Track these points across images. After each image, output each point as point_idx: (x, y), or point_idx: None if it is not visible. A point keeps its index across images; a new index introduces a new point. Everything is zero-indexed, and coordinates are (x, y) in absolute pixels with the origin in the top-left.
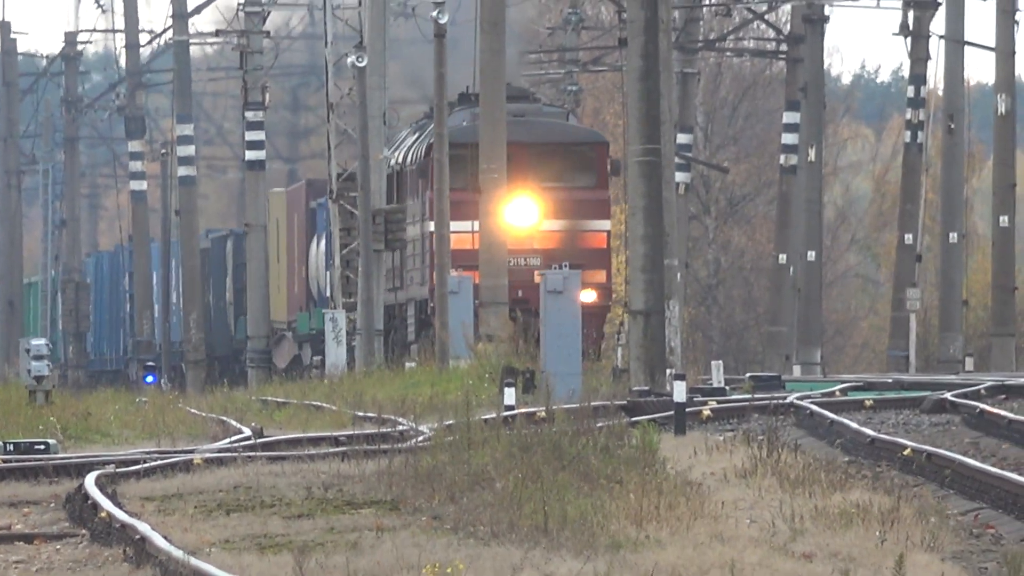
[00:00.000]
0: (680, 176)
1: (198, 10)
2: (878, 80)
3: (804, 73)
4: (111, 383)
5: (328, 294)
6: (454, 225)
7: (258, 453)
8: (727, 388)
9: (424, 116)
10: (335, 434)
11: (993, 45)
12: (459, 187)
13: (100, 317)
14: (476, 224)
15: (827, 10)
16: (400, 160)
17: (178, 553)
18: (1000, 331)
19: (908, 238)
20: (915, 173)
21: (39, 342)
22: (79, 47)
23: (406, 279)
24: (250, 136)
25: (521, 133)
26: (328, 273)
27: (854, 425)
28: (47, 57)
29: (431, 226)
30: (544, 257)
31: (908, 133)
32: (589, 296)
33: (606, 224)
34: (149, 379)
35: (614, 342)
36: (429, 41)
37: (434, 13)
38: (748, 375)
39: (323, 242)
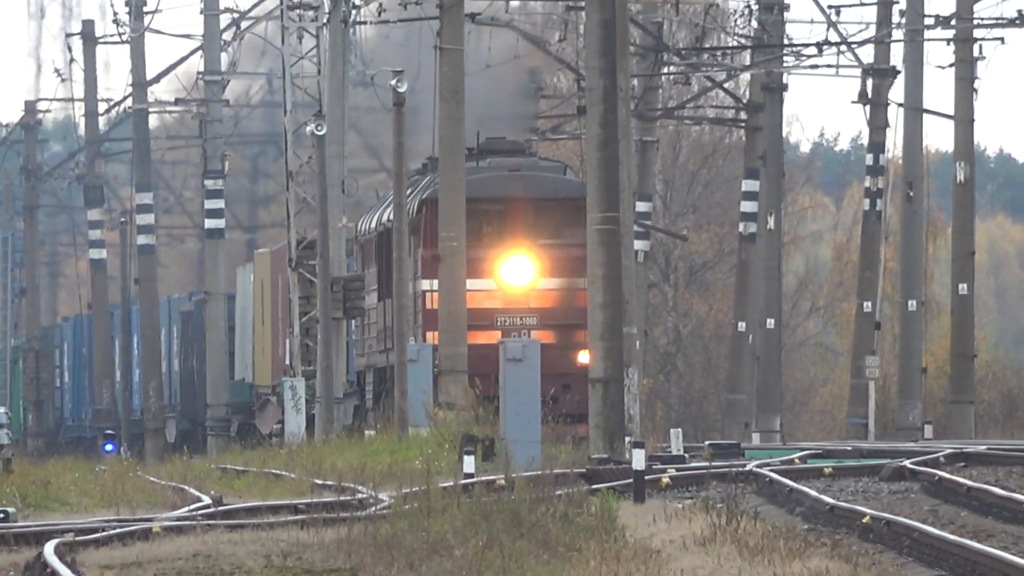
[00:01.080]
0: (639, 244)
1: (157, 79)
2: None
3: (763, 141)
4: (74, 451)
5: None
6: (438, 284)
7: (217, 521)
8: (686, 456)
9: (415, 172)
10: (294, 502)
11: (952, 113)
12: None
13: (75, 383)
14: (467, 283)
15: (786, 78)
16: (388, 219)
17: None
18: (959, 398)
19: (867, 306)
20: (874, 241)
21: None
22: (38, 115)
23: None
24: (209, 204)
25: (517, 188)
26: (288, 341)
27: (813, 493)
28: (6, 126)
29: (424, 284)
30: (540, 316)
31: (867, 201)
32: (587, 357)
33: None
34: (108, 447)
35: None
36: (388, 110)
37: (393, 82)
38: (707, 443)
39: None
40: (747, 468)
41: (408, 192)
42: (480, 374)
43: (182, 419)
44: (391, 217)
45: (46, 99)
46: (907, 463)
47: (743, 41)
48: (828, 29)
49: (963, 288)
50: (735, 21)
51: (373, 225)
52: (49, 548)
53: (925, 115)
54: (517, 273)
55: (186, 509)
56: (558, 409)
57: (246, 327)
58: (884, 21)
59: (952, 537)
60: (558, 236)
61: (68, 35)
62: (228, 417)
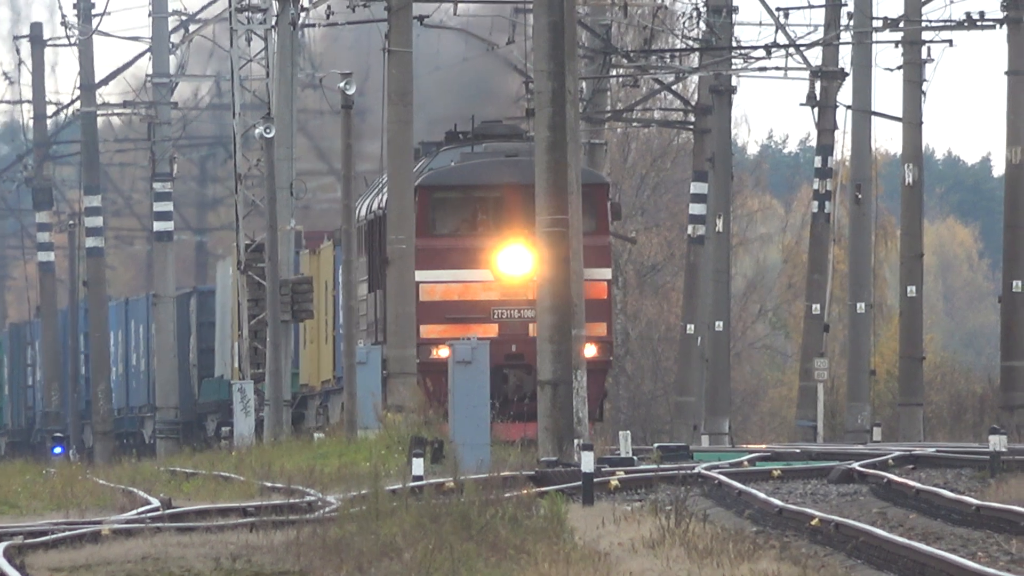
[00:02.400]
0: None
1: (105, 81)
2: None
3: (711, 144)
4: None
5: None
6: (435, 274)
7: (166, 524)
8: (635, 458)
9: None
10: (243, 504)
11: (900, 115)
12: (446, 233)
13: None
14: (461, 273)
15: (734, 81)
16: (380, 206)
17: None
18: (908, 400)
19: (816, 308)
20: (823, 243)
21: None
22: None
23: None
24: (158, 207)
25: (513, 174)
26: (236, 344)
27: (762, 495)
28: None
29: (417, 275)
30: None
31: (815, 203)
32: (589, 351)
33: (607, 272)
34: (57, 450)
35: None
36: (337, 113)
37: (341, 84)
38: (656, 445)
39: None
40: (696, 470)
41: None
42: None
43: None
44: (383, 204)
45: None
46: (856, 465)
47: (691, 43)
48: (776, 31)
49: (911, 290)
50: (683, 23)
51: (363, 213)
52: None
53: (874, 117)
54: (515, 263)
55: (135, 512)
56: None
57: (226, 322)
58: (832, 23)
59: (901, 539)
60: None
61: (16, 38)
62: (177, 420)
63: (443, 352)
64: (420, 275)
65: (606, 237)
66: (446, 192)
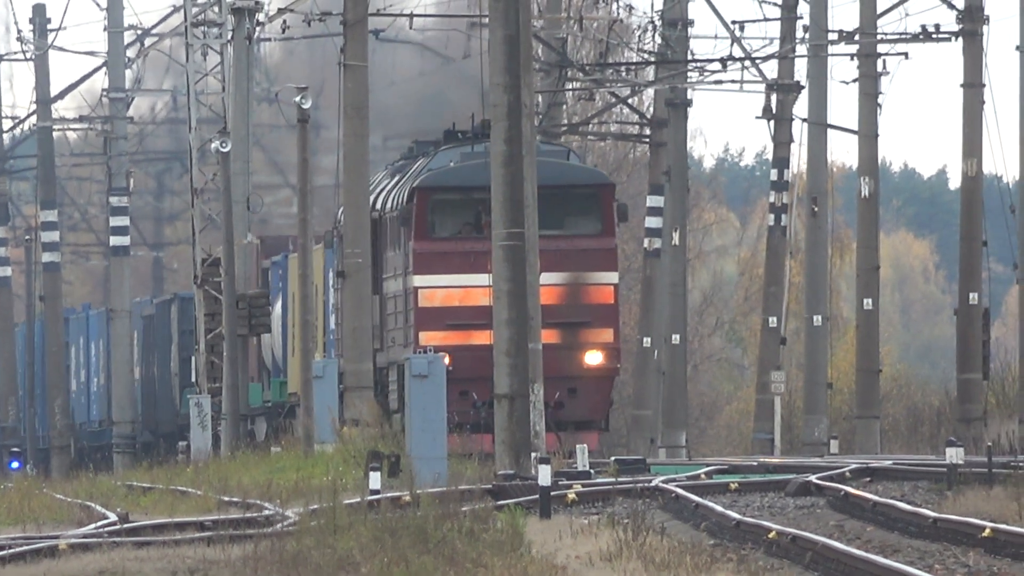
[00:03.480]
0: None
1: (61, 95)
2: (742, 163)
3: (667, 157)
4: None
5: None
6: (434, 279)
7: (124, 538)
8: (592, 471)
9: (401, 157)
10: (201, 519)
11: (856, 128)
12: (446, 236)
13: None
14: (461, 278)
15: (690, 94)
16: (378, 206)
17: None
18: (864, 413)
19: (772, 321)
20: (779, 256)
21: None
22: None
23: (387, 340)
24: (115, 221)
25: None
26: (193, 359)
27: (719, 508)
28: None
29: (416, 280)
30: (544, 314)
31: (772, 216)
32: (595, 358)
33: (613, 276)
34: (14, 465)
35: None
36: (293, 126)
37: (297, 98)
38: (613, 458)
39: (278, 304)
40: (653, 484)
41: (395, 180)
42: (477, 379)
43: (143, 430)
44: (384, 204)
45: None
46: (813, 478)
47: (647, 57)
48: (732, 44)
49: (868, 303)
50: (639, 37)
51: (386, 203)
52: None
53: (830, 130)
54: None
55: (93, 526)
56: (562, 415)
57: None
58: (788, 36)
59: (858, 552)
60: (561, 226)
61: None
62: (134, 435)
63: (443, 360)
64: (419, 280)
65: (612, 240)
66: (446, 193)
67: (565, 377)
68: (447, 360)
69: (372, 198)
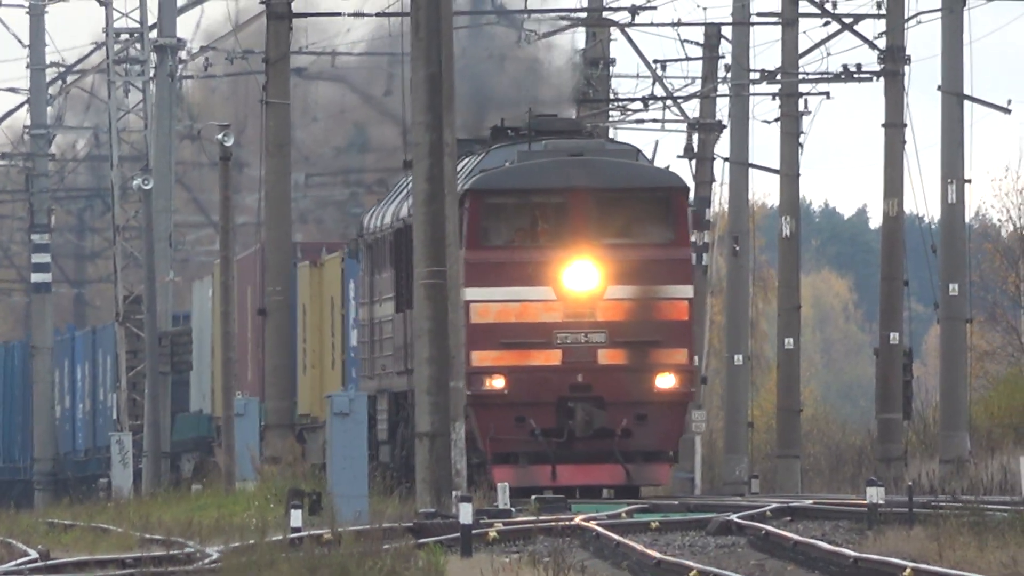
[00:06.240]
0: None
1: None
2: None
3: None
4: None
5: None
6: (488, 292)
7: (45, 575)
8: (513, 510)
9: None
10: (122, 556)
11: (778, 167)
12: (499, 245)
13: None
14: (518, 291)
15: (611, 133)
16: (403, 213)
17: None
18: (785, 452)
19: (694, 360)
20: (700, 295)
21: None
22: None
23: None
24: (36, 258)
25: (580, 176)
26: (103, 397)
27: (639, 547)
28: None
29: (467, 293)
30: (609, 332)
31: (693, 255)
32: (667, 381)
33: (687, 290)
34: None
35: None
36: (215, 164)
37: (219, 136)
38: (534, 496)
39: None
40: (574, 522)
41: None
42: (535, 403)
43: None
44: (412, 211)
45: None
46: (734, 517)
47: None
48: (654, 84)
49: (789, 342)
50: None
51: (387, 220)
52: None
53: (751, 169)
54: (580, 279)
55: (13, 563)
56: (630, 445)
57: (204, 351)
58: (710, 76)
59: None
60: (630, 235)
61: None
62: (54, 472)
63: (497, 383)
64: (470, 293)
65: (686, 249)
66: (501, 197)
67: (634, 402)
68: (502, 383)
69: (398, 203)
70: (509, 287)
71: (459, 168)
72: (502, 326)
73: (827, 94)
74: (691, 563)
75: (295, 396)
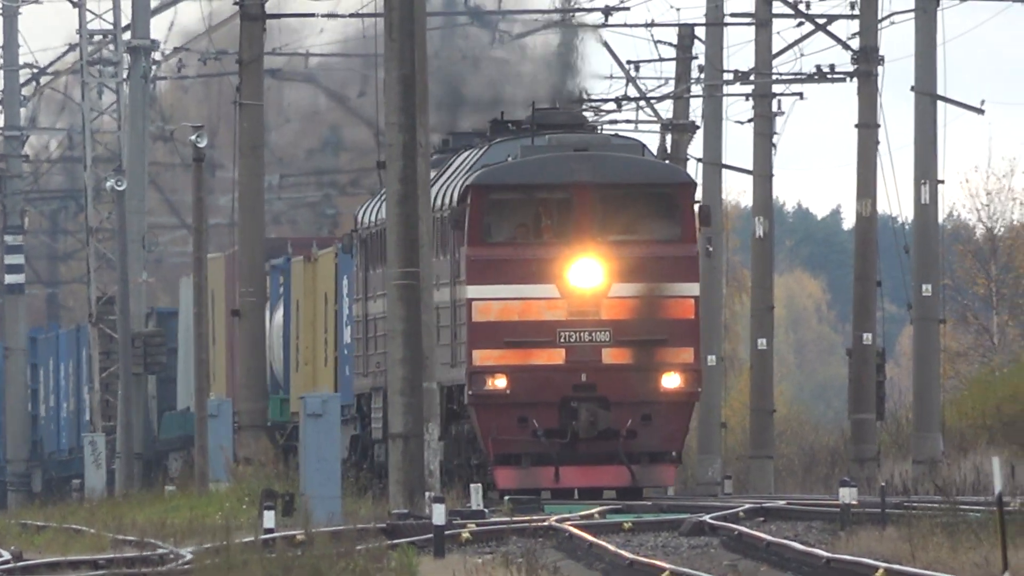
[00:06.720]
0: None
1: None
2: None
3: None
4: None
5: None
6: (490, 290)
7: None
8: (486, 511)
9: (435, 150)
10: (95, 557)
11: (751, 168)
12: (502, 241)
13: None
14: (522, 289)
15: None
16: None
17: None
18: (758, 453)
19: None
20: None
21: None
22: None
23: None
24: (9, 260)
25: (584, 171)
26: (87, 396)
27: (612, 548)
28: None
29: (469, 291)
30: (614, 331)
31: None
32: (672, 381)
33: (694, 288)
34: None
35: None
36: (188, 165)
37: (192, 137)
38: (507, 497)
39: (278, 313)
40: (547, 523)
41: (434, 175)
42: (538, 404)
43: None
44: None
45: None
46: (707, 518)
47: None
48: (627, 84)
49: (762, 343)
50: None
51: (383, 215)
52: None
53: (725, 170)
54: (584, 277)
55: None
56: (634, 446)
57: (191, 348)
58: (683, 76)
59: None
60: (635, 231)
61: None
62: (28, 472)
63: (500, 382)
64: (472, 291)
65: (693, 246)
66: (505, 192)
67: (639, 403)
68: (504, 382)
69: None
70: (512, 284)
71: (460, 163)
72: (504, 324)
73: (800, 95)
74: (664, 564)
75: (287, 393)
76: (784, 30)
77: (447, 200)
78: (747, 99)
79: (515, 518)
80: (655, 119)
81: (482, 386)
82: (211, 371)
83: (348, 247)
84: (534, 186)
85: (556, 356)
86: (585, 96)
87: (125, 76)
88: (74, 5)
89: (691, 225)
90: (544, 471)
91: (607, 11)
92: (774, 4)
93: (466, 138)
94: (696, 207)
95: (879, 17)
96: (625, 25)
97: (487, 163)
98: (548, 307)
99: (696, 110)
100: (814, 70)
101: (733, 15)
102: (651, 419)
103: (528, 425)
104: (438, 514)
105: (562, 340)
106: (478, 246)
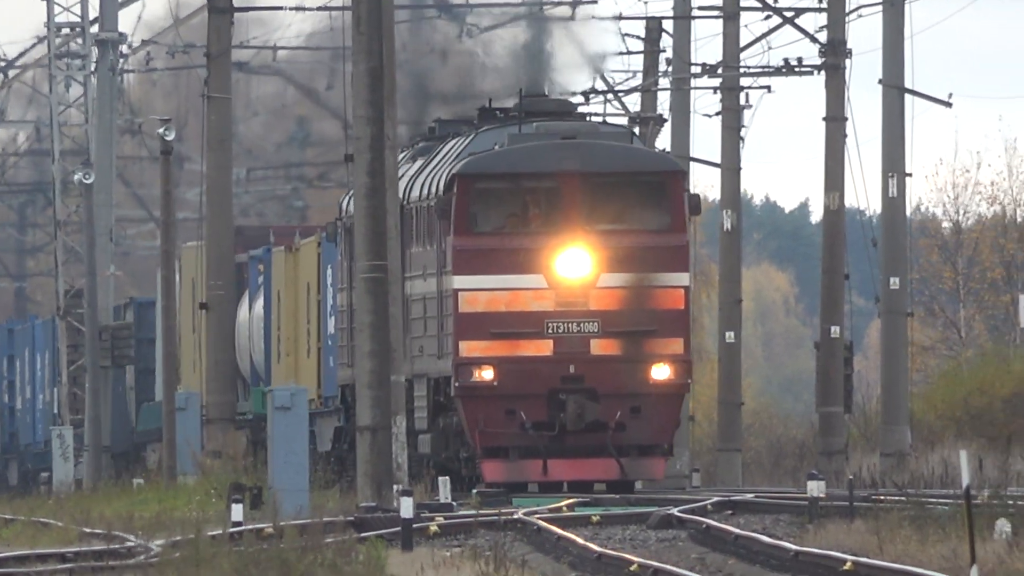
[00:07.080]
0: None
1: None
2: None
3: None
4: None
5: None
6: (477, 280)
7: None
8: (454, 504)
9: (419, 138)
10: (63, 551)
11: (719, 161)
12: (490, 230)
13: None
14: (508, 279)
15: None
16: (403, 194)
17: None
18: (726, 446)
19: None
20: None
21: None
22: None
23: (411, 349)
24: None
25: (572, 160)
26: (54, 390)
27: (580, 540)
28: None
29: (456, 281)
30: (603, 321)
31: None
32: (662, 372)
33: (683, 278)
34: None
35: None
36: (156, 158)
37: (160, 130)
38: (475, 490)
39: (258, 304)
40: (515, 516)
41: (421, 163)
42: (526, 396)
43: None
44: (408, 192)
45: None
46: (675, 511)
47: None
48: (595, 78)
49: (730, 336)
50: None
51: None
52: None
53: (693, 163)
54: (572, 267)
55: None
56: (623, 439)
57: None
58: (651, 69)
59: None
60: (624, 220)
61: None
62: (4, 465)
63: (487, 374)
64: (459, 281)
65: (683, 235)
66: (491, 181)
67: (628, 395)
68: (491, 374)
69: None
70: (499, 275)
71: (447, 151)
72: (491, 315)
73: (768, 88)
74: (632, 557)
75: (269, 385)
76: (752, 23)
77: (433, 189)
78: (715, 92)
79: (483, 511)
80: (623, 112)
81: (469, 378)
82: (191, 362)
83: (332, 236)
84: (521, 175)
85: (544, 347)
86: (550, 90)
87: (93, 69)
88: None
89: (681, 214)
90: (532, 464)
91: (575, 4)
92: None
93: (453, 126)
94: (686, 195)
95: (847, 10)
96: (593, 18)
97: (474, 151)
98: (536, 298)
99: (664, 103)
100: (782, 63)
101: (701, 8)
102: (640, 411)
103: (516, 417)
104: (406, 507)
105: (550, 331)
106: (464, 236)
